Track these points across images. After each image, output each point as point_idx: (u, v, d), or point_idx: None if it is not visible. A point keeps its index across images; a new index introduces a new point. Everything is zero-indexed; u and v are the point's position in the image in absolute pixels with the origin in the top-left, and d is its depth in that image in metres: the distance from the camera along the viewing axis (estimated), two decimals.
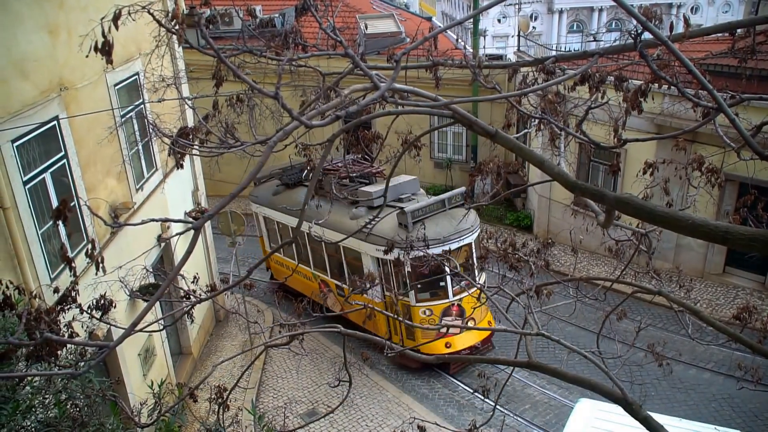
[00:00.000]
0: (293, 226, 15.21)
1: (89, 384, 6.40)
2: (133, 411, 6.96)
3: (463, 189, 15.57)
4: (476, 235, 14.71)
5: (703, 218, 3.48)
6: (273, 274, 20.23)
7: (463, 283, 13.77)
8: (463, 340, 14.80)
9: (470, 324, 14.41)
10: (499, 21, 51.84)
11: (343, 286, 16.39)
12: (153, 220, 4.06)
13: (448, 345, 14.42)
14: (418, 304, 14.56)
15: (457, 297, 14.53)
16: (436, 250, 12.26)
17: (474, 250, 14.76)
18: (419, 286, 14.54)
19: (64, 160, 9.43)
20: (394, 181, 15.66)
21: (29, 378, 5.81)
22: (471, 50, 23.58)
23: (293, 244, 17.70)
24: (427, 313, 14.62)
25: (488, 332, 15.11)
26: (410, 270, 14.06)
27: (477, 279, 14.39)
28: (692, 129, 5.23)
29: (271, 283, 20.22)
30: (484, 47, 26.94)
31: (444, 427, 11.51)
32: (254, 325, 15.32)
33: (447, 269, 10.65)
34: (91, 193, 10.13)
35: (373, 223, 14.64)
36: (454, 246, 13.85)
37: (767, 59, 12.61)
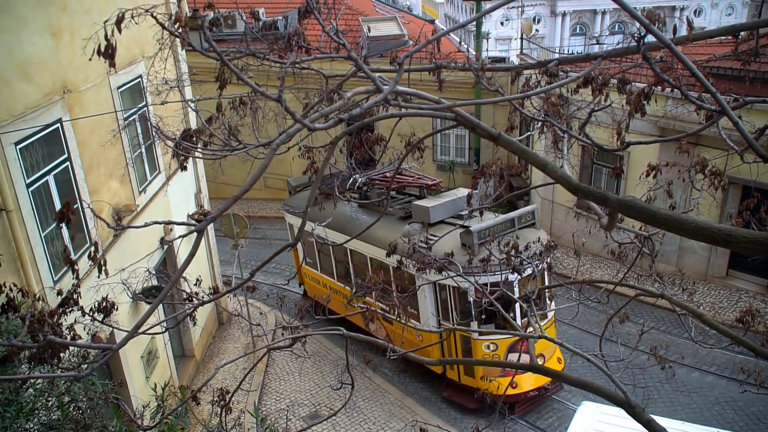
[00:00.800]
0: (335, 241, 13.86)
1: (92, 386, 6.40)
2: (135, 413, 6.97)
3: (534, 207, 14.28)
4: (549, 259, 12.72)
5: (707, 221, 3.47)
6: (306, 291, 18.69)
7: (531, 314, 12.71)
8: (530, 381, 13.26)
9: (539, 362, 12.99)
10: (501, 24, 51.84)
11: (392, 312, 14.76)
12: (156, 222, 4.07)
13: (513, 385, 12.81)
14: (480, 338, 13.16)
15: (526, 330, 12.60)
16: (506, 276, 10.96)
17: (546, 277, 12.90)
18: (483, 316, 12.96)
19: (68, 163, 9.44)
20: (451, 195, 14.64)
21: (32, 380, 5.82)
22: (474, 53, 23.59)
23: (333, 261, 16.56)
24: (491, 347, 13.16)
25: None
26: (474, 299, 12.54)
27: (548, 308, 13.22)
28: (695, 132, 5.22)
29: (304, 301, 18.00)
30: (487, 50, 26.94)
31: (447, 430, 11.51)
32: (257, 328, 15.33)
33: (516, 297, 9.66)
34: (94, 196, 10.15)
35: (430, 243, 13.03)
36: (527, 271, 12.05)
37: None
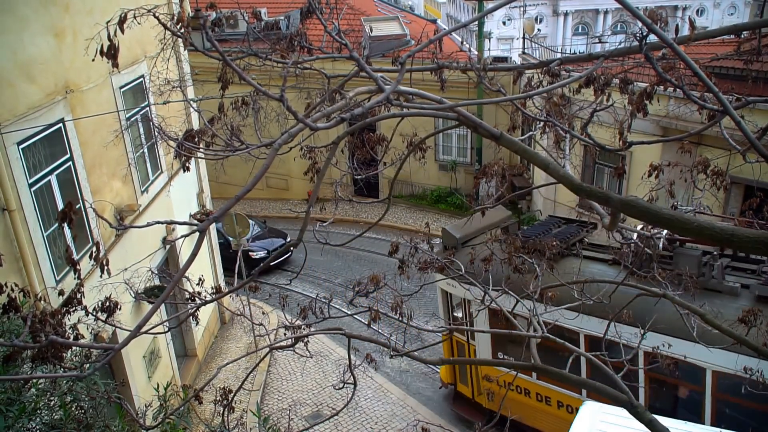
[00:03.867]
0: (581, 329, 9.46)
1: (94, 386, 6.41)
2: (138, 413, 6.97)
3: None
4: None
5: (709, 221, 3.47)
6: (473, 395, 13.37)
7: None
8: None
9: None
10: (504, 23, 51.77)
11: None
12: (158, 222, 4.07)
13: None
14: None
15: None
16: None
17: None
18: None
19: (70, 163, 9.45)
20: None
21: (34, 380, 5.83)
22: (476, 53, 23.58)
23: (535, 351, 8.39)
24: None
25: None
26: None
27: None
28: (698, 132, 5.23)
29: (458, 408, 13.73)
30: (488, 50, 26.92)
31: (449, 430, 11.51)
32: (259, 328, 15.32)
33: None
34: (96, 196, 10.16)
35: None
36: None
37: None
